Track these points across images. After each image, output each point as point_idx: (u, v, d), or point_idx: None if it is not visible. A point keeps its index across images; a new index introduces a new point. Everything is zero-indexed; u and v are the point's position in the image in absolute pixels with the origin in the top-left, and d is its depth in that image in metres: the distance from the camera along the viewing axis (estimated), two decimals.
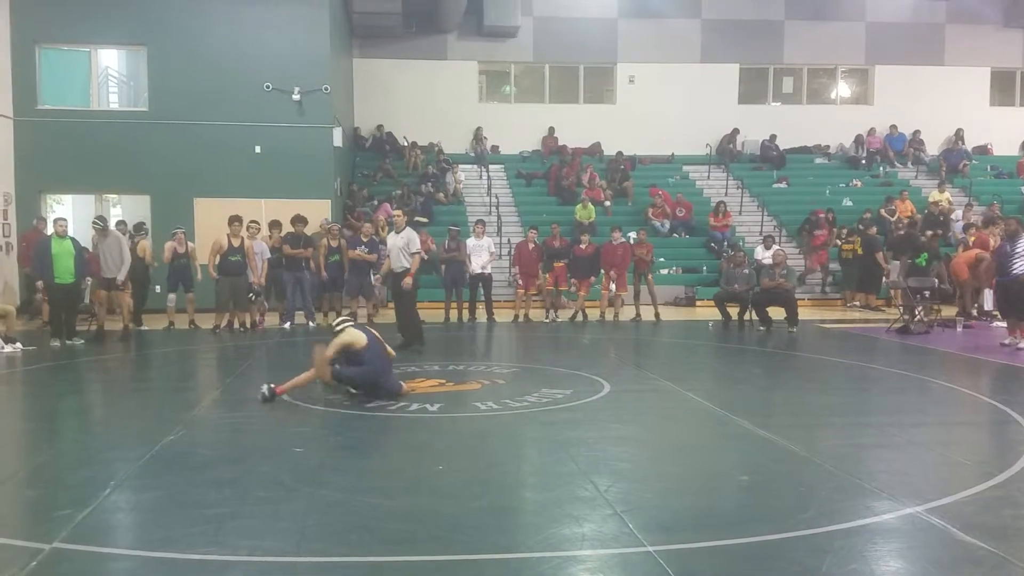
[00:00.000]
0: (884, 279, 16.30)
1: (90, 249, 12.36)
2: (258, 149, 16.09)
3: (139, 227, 14.32)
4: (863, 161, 22.78)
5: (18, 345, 10.79)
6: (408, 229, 10.74)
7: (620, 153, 21.72)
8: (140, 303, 13.44)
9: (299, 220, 13.58)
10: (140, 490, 4.96)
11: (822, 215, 18.69)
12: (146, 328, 13.13)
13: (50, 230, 11.99)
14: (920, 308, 13.33)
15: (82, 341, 11.48)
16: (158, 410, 7.38)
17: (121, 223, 13.97)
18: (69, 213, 15.79)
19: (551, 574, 3.70)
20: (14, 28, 15.42)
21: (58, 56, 16.31)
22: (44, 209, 15.76)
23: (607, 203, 19.85)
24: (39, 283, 11.65)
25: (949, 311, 14.27)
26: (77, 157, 15.53)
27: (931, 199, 20.05)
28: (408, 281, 10.44)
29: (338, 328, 7.54)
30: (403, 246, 10.42)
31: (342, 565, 3.78)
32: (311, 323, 13.55)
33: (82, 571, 3.74)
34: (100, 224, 12.36)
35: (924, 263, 14.47)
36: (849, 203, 20.56)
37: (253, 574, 3.65)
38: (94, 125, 15.86)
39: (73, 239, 11.61)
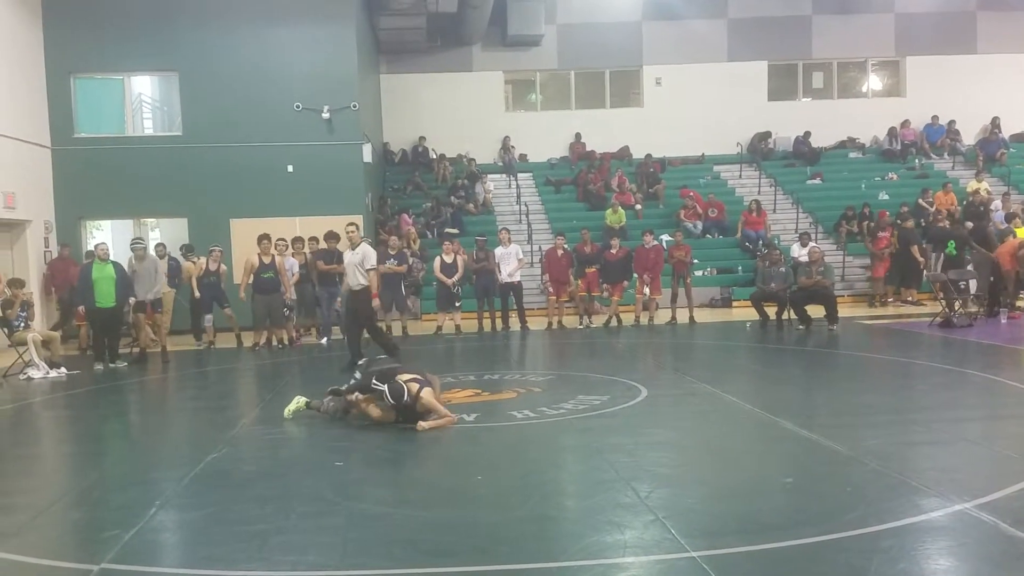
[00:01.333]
0: (924, 272, 16.00)
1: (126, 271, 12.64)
2: (290, 168, 16.27)
3: (189, 249, 14.48)
4: (898, 152, 22.40)
5: (63, 370, 11.01)
6: (364, 245, 10.36)
7: (649, 156, 21.63)
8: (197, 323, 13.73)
9: (331, 236, 13.63)
10: (185, 509, 5.02)
11: (885, 216, 17.90)
12: (187, 348, 13.34)
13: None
14: (959, 301, 13.05)
15: (125, 364, 11.68)
16: (200, 429, 7.48)
17: (160, 245, 14.19)
18: (109, 238, 16.08)
19: None
20: (48, 59, 15.79)
21: (92, 85, 16.66)
22: (84, 235, 16.09)
23: (638, 207, 19.77)
24: (80, 308, 11.87)
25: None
26: (114, 183, 15.83)
27: (969, 189, 19.67)
28: (377, 302, 10.44)
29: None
30: (358, 263, 10.03)
31: None
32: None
33: None
34: (141, 244, 12.60)
35: (955, 252, 13.99)
36: (885, 197, 20.24)
37: None
38: (130, 151, 16.17)
39: (115, 263, 11.85)
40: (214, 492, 5.29)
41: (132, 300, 12.07)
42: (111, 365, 11.43)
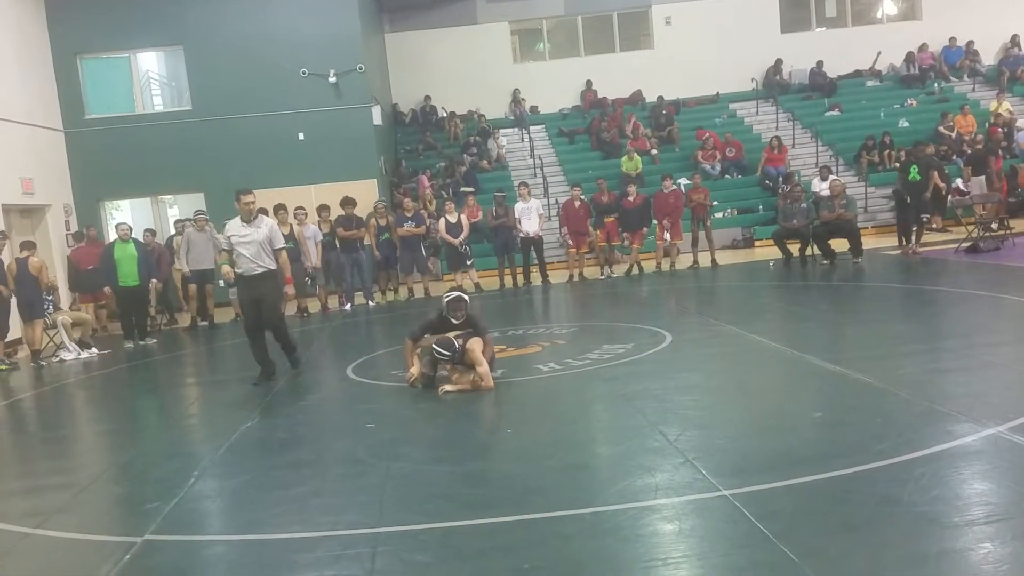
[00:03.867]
0: (948, 198, 15.70)
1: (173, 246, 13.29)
2: (301, 136, 16.24)
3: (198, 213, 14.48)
4: (917, 78, 21.87)
5: (94, 350, 11.19)
6: (268, 219, 8.28)
7: (661, 98, 21.30)
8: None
9: (348, 202, 13.70)
10: (223, 477, 5.12)
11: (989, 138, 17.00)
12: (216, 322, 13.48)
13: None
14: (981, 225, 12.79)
15: (154, 340, 11.85)
16: (233, 400, 7.58)
17: (149, 231, 13.97)
18: (128, 218, 16.19)
19: (628, 525, 3.71)
20: (54, 42, 15.76)
21: (99, 65, 16.64)
22: (104, 217, 16.21)
23: (653, 151, 19.53)
24: (106, 288, 12.02)
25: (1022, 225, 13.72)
26: (129, 162, 15.89)
27: (991, 109, 19.23)
28: (291, 289, 8.67)
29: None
30: (263, 240, 7.80)
31: (422, 532, 3.85)
32: (371, 302, 13.74)
33: (174, 560, 3.89)
34: (203, 215, 13.10)
35: (918, 177, 13.27)
36: (906, 124, 19.85)
37: (337, 547, 3.74)
38: (142, 128, 16.19)
39: (136, 241, 11.97)
40: (250, 460, 5.39)
41: (154, 281, 12.25)
42: (140, 343, 11.59)
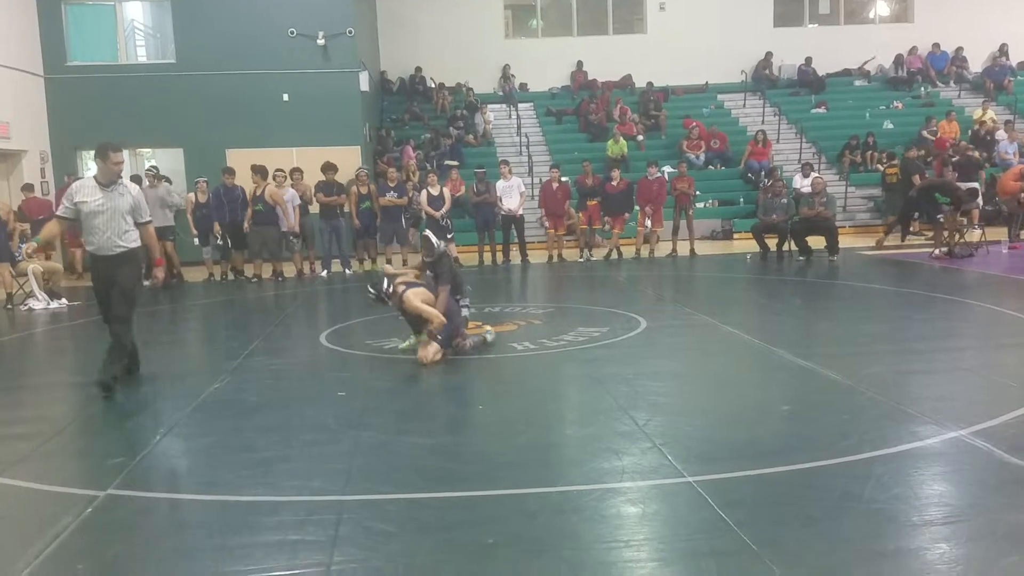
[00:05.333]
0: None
1: None
2: (286, 97, 16.03)
3: (149, 170, 14.25)
4: (904, 80, 22.00)
5: (63, 301, 11.04)
6: (131, 185, 6.77)
7: (651, 84, 21.27)
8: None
9: (330, 168, 13.57)
10: (189, 437, 5.09)
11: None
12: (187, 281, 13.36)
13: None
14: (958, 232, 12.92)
15: None
16: (203, 360, 7.54)
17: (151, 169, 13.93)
18: None
19: (593, 506, 3.75)
20: None
21: (84, 11, 16.30)
22: (81, 166, 15.94)
23: (640, 137, 19.53)
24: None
25: (997, 234, 13.91)
26: (109, 112, 15.59)
27: (975, 117, 19.42)
28: (161, 272, 7.55)
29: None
30: (126, 211, 6.28)
31: (388, 502, 3.86)
32: (347, 270, 13.67)
33: (136, 515, 3.87)
34: (153, 171, 13.01)
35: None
36: (890, 126, 20.00)
37: (302, 512, 3.75)
38: (123, 79, 15.91)
39: None
40: (218, 421, 5.36)
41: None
42: None
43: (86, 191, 6.20)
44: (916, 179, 13.76)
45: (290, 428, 5.10)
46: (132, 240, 6.32)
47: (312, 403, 5.74)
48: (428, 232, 7.34)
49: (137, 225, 6.37)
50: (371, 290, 6.92)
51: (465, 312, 7.59)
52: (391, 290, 6.84)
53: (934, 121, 19.01)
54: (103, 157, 6.23)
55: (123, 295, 6.27)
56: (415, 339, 7.02)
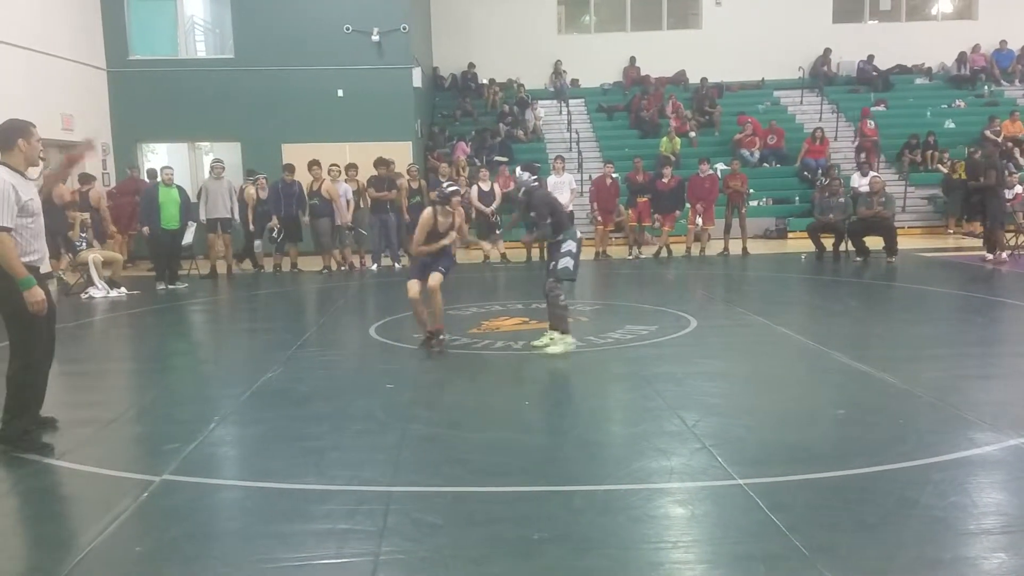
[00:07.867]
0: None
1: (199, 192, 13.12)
2: (340, 93, 16.21)
3: (250, 173, 14.60)
4: (967, 79, 21.37)
5: (123, 290, 11.33)
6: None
7: (705, 80, 21.01)
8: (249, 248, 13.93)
9: (382, 163, 13.68)
10: (243, 425, 5.20)
11: None
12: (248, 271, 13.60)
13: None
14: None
15: (185, 284, 11.99)
16: (256, 350, 7.67)
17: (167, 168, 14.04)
18: (164, 162, 16.29)
19: (639, 506, 3.72)
20: None
21: (145, 6, 16.67)
22: (141, 159, 16.34)
23: (692, 134, 19.31)
24: (144, 229, 12.16)
25: None
26: (169, 106, 15.96)
27: None
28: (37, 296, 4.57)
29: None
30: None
31: (435, 494, 3.88)
32: (397, 265, 13.76)
33: (190, 500, 3.95)
34: (220, 164, 13.11)
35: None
36: (951, 125, 19.44)
37: (352, 502, 3.79)
38: (183, 73, 16.25)
39: (179, 187, 12.15)
40: (271, 410, 5.46)
41: (192, 224, 12.39)
42: (171, 286, 11.74)
43: (22, 185, 4.57)
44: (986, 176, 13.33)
45: (341, 418, 5.17)
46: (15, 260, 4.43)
47: (362, 394, 5.80)
48: (518, 169, 7.60)
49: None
50: (444, 183, 7.21)
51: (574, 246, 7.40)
52: (451, 197, 7.14)
53: (997, 121, 18.43)
54: (24, 137, 4.61)
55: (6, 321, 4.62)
56: (547, 338, 6.99)
